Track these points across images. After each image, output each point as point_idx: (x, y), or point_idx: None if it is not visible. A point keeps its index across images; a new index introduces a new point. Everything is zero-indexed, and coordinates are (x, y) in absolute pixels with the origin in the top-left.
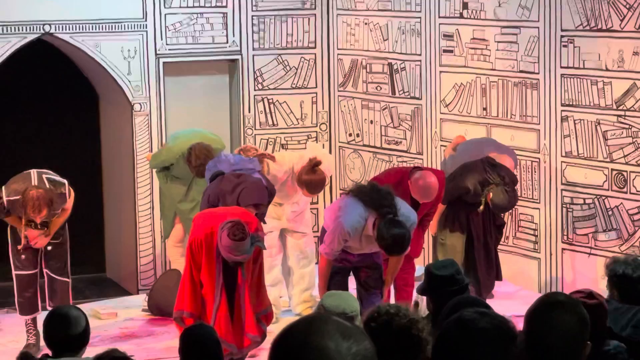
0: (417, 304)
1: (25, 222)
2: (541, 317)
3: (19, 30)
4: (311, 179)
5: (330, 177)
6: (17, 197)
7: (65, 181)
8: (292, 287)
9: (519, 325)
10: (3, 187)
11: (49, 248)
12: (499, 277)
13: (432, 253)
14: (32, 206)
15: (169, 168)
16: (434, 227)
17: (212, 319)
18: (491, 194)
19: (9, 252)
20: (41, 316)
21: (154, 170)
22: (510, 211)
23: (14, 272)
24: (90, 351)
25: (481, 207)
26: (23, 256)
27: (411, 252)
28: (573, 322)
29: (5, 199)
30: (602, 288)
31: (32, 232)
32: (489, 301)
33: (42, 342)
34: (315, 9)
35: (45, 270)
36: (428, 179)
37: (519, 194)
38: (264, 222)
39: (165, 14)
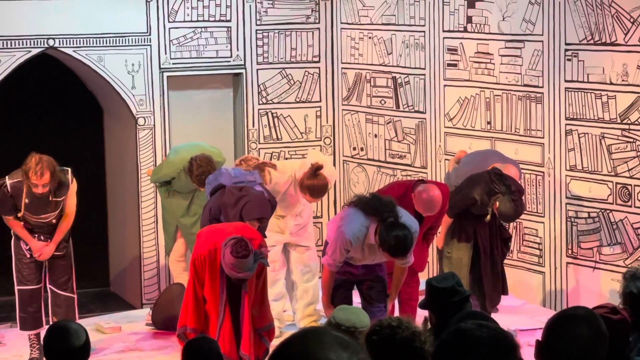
0: (426, 320)
1: (26, 192)
2: (559, 329)
3: (23, 44)
4: (313, 184)
5: (335, 191)
6: (20, 179)
7: (69, 169)
8: (296, 302)
9: (523, 339)
10: (6, 177)
11: (53, 261)
12: (504, 291)
13: (439, 267)
14: (34, 171)
15: (170, 182)
16: (440, 240)
17: (216, 335)
18: (497, 203)
19: (12, 266)
20: (44, 331)
21: (156, 185)
22: (515, 224)
23: (16, 287)
24: None
25: (488, 217)
26: (26, 270)
27: (415, 266)
28: (591, 336)
29: (8, 182)
30: (606, 301)
31: (36, 244)
32: (493, 315)
33: None
34: (319, 23)
35: (49, 286)
36: (431, 192)
37: None
38: (265, 236)
39: (169, 28)
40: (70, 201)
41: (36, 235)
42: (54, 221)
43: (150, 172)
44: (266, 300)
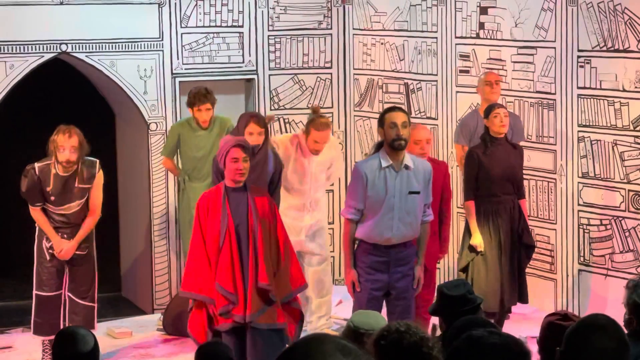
0: (435, 327)
1: (53, 178)
2: (580, 338)
3: (36, 49)
4: (315, 120)
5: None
6: (48, 162)
7: (97, 160)
8: (311, 314)
9: (534, 347)
10: (35, 163)
11: (74, 268)
12: (524, 298)
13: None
14: (63, 132)
15: (179, 151)
16: (481, 244)
17: (216, 266)
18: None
19: (34, 269)
20: None
21: (178, 182)
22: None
23: (34, 291)
24: None
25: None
26: (46, 275)
27: (428, 262)
28: (612, 345)
29: (37, 166)
30: (618, 309)
31: (59, 240)
32: (505, 323)
33: None
34: (331, 28)
35: (67, 293)
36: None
37: (535, 214)
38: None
39: (181, 34)
40: (96, 194)
41: (60, 234)
42: (77, 209)
43: (163, 160)
44: (289, 264)
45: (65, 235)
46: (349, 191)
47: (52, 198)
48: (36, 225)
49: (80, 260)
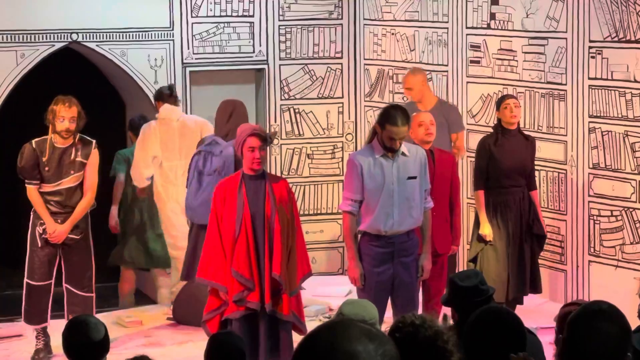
0: (445, 316)
1: (48, 152)
2: (583, 324)
3: (46, 38)
4: None
5: None
6: (45, 137)
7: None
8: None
9: (544, 337)
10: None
11: (70, 257)
12: (537, 288)
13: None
14: (62, 101)
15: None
16: (487, 229)
17: (231, 254)
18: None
19: (27, 255)
20: (51, 328)
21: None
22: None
23: (25, 279)
24: (116, 359)
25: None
26: (37, 263)
27: (438, 247)
28: (615, 331)
29: (33, 141)
30: (628, 300)
31: (52, 223)
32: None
33: (53, 349)
34: (342, 19)
35: (65, 285)
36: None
37: (545, 204)
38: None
39: (192, 23)
40: (91, 173)
41: (54, 218)
42: (71, 185)
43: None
44: (297, 252)
45: (59, 220)
46: (345, 184)
47: (47, 169)
48: (31, 212)
49: (75, 248)
